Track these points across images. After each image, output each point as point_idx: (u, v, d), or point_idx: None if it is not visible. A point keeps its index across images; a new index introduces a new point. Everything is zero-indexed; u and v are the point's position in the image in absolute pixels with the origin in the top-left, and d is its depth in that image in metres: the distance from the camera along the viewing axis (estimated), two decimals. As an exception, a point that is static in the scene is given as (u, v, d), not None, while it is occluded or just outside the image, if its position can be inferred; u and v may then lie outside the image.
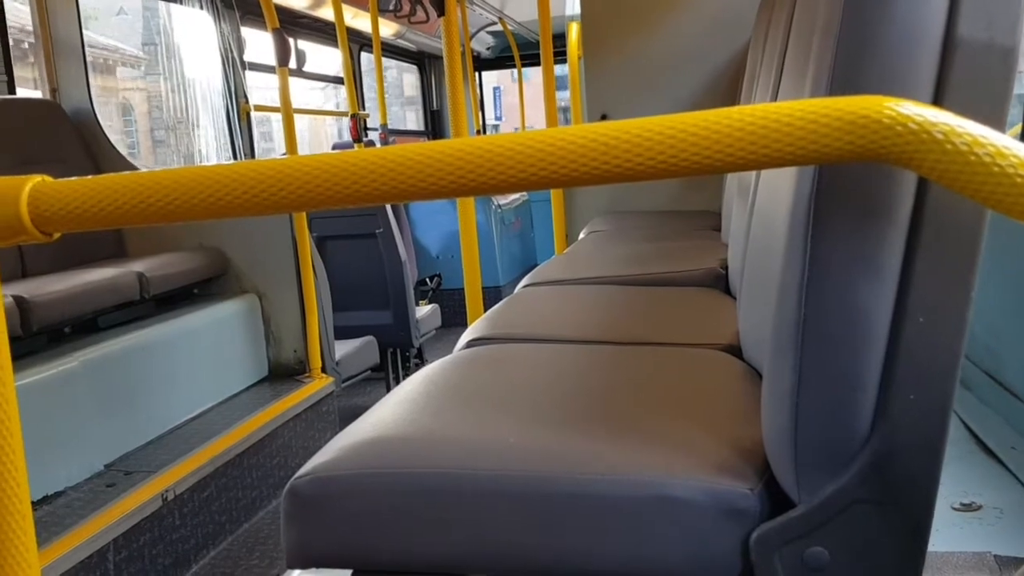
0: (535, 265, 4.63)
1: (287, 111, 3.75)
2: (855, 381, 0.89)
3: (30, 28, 3.67)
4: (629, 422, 1.20)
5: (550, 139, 0.71)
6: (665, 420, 1.19)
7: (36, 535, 0.85)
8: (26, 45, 4.00)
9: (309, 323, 3.70)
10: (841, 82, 0.84)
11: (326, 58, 6.61)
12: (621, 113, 4.16)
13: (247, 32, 5.09)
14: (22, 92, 3.67)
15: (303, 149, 5.28)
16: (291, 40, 4.11)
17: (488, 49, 8.83)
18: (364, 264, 4.68)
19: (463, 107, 2.55)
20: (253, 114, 5.14)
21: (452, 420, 1.26)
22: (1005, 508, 1.74)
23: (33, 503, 2.36)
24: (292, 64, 3.93)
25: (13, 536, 0.82)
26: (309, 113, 7.98)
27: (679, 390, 1.37)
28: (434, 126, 8.47)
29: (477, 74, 8.81)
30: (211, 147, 5.13)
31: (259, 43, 5.09)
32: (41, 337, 2.74)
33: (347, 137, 5.17)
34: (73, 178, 0.81)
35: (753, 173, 1.70)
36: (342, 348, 4.11)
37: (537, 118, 8.44)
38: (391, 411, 1.29)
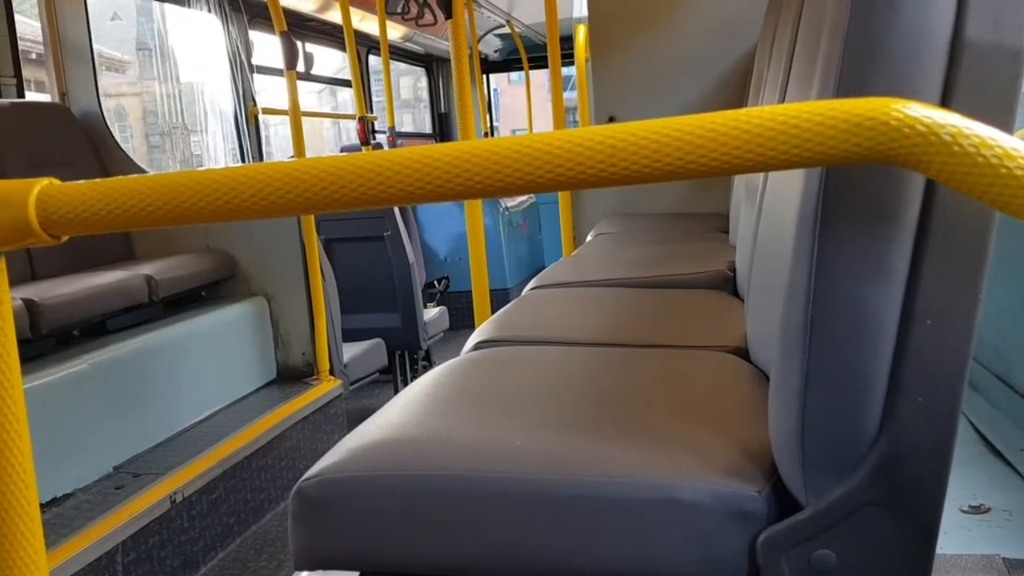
0: (543, 267, 4.62)
1: (295, 114, 3.76)
2: (863, 383, 0.89)
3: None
4: (636, 425, 1.20)
5: (557, 141, 0.71)
6: (672, 423, 1.19)
7: (45, 537, 0.85)
8: (34, 56, 4.01)
9: (317, 326, 3.70)
10: (848, 84, 0.84)
11: (328, 60, 6.62)
12: (629, 115, 4.15)
13: (255, 35, 5.09)
14: (30, 96, 3.69)
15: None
16: (299, 43, 4.12)
17: (496, 52, 8.82)
18: (372, 267, 4.69)
19: (471, 110, 2.55)
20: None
21: (459, 422, 1.26)
22: (1014, 510, 1.73)
23: (42, 505, 2.37)
24: (300, 67, 3.94)
25: (22, 538, 0.82)
26: (317, 116, 7.99)
27: (686, 393, 1.36)
28: (442, 129, 8.47)
29: (485, 77, 8.81)
30: (219, 150, 5.14)
31: (265, 46, 5.09)
32: (50, 340, 2.75)
33: (345, 140, 5.17)
34: (81, 181, 0.81)
35: (761, 175, 1.70)
36: (350, 350, 4.12)
37: (538, 119, 8.44)
38: (398, 413, 1.29)
